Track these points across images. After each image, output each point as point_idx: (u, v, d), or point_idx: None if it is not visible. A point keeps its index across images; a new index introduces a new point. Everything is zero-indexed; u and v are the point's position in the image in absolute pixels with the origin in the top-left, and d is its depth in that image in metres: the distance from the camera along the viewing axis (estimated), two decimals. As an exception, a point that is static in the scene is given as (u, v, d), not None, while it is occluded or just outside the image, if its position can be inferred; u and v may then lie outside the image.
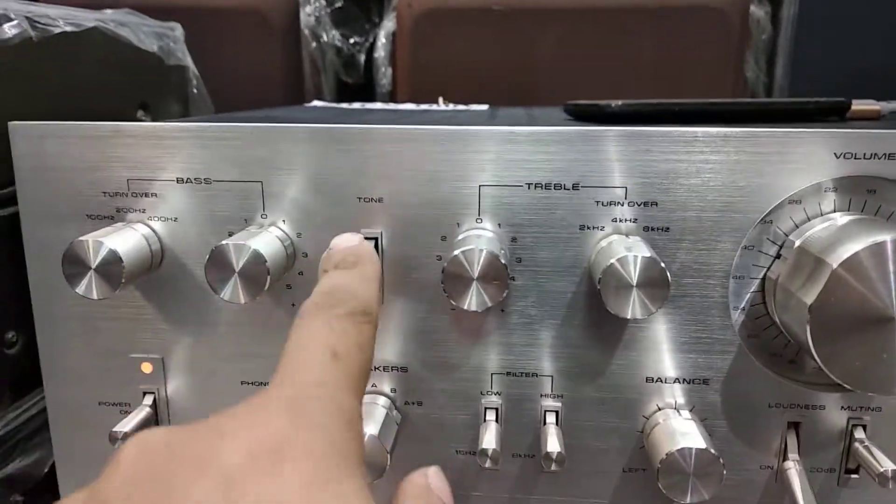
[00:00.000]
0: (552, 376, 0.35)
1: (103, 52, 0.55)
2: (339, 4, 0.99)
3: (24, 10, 0.46)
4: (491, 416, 0.35)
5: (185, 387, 0.36)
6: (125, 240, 0.32)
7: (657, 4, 0.91)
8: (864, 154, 0.31)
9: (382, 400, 0.35)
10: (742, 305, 0.33)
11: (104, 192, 0.34)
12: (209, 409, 0.36)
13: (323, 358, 0.22)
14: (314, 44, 1.00)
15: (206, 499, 0.17)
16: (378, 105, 0.76)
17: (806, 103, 0.52)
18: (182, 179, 0.34)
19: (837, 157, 0.31)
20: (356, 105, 0.75)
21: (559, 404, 0.35)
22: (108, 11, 0.59)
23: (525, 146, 0.32)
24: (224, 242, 0.30)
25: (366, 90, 1.03)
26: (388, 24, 0.97)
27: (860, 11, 0.91)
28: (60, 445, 0.38)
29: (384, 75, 0.99)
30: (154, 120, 0.63)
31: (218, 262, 0.30)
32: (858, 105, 0.52)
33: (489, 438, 0.33)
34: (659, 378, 0.34)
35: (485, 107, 0.75)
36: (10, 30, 0.44)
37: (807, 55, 0.95)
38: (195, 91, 0.71)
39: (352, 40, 1.02)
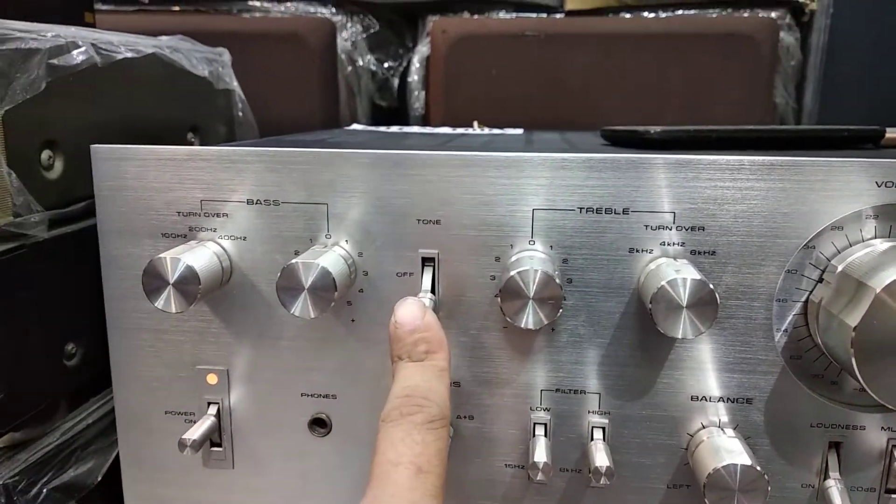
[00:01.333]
0: (599, 394, 0.36)
1: (160, 77, 0.58)
2: (374, 30, 1.02)
3: (90, 38, 0.49)
4: (540, 431, 0.36)
5: (247, 397, 0.38)
6: (200, 257, 0.34)
7: (688, 31, 0.92)
8: (906, 183, 0.32)
9: (436, 413, 0.36)
10: (785, 327, 0.35)
11: (178, 212, 0.36)
12: (270, 418, 0.38)
13: (409, 475, 0.26)
14: (350, 68, 1.03)
15: None
16: (415, 129, 0.79)
17: (841, 131, 0.53)
18: (252, 201, 0.36)
19: (879, 186, 0.32)
20: (394, 128, 0.77)
21: (606, 421, 0.36)
22: (164, 38, 0.62)
23: (577, 172, 0.34)
24: (295, 261, 0.32)
25: (399, 113, 1.06)
26: (423, 49, 1.00)
27: (890, 38, 0.92)
28: (127, 451, 0.40)
29: (417, 99, 1.01)
30: (202, 141, 0.66)
31: (289, 279, 0.32)
32: (893, 133, 0.53)
33: (540, 452, 0.34)
34: (703, 397, 0.35)
35: (519, 131, 0.77)
36: (78, 56, 0.47)
37: (836, 81, 0.96)
38: (240, 114, 0.74)
39: (386, 64, 1.05)
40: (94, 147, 0.37)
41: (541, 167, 0.34)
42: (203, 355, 0.38)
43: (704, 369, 0.35)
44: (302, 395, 0.38)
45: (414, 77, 1.01)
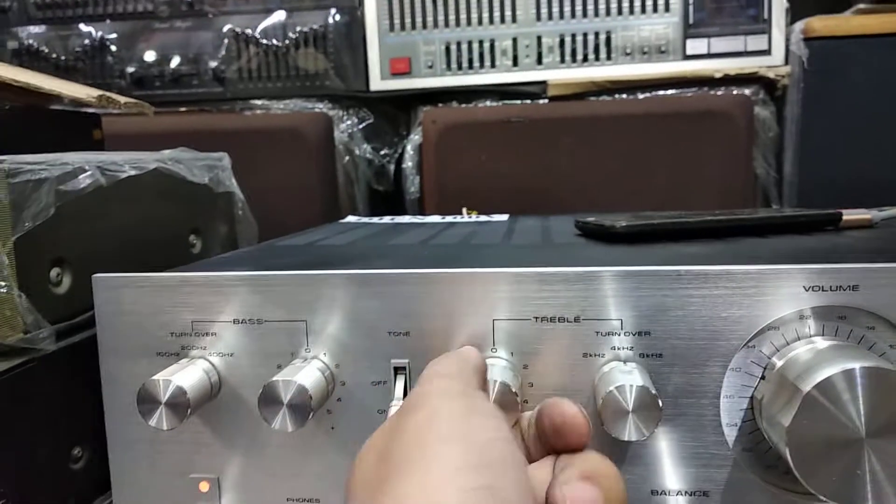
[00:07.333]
0: (565, 490, 0.38)
1: (162, 189, 0.62)
2: (369, 121, 1.08)
3: (95, 161, 0.53)
4: (511, 527, 0.38)
5: (237, 503, 0.41)
6: (189, 375, 0.37)
7: (666, 111, 0.97)
8: (831, 287, 0.35)
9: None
10: (735, 422, 0.37)
11: (171, 333, 0.40)
12: (258, 523, 0.41)
13: None
14: (347, 157, 1.08)
15: None
16: (407, 218, 0.83)
17: (800, 216, 0.56)
18: (238, 320, 0.39)
19: (807, 290, 0.35)
20: (387, 219, 0.81)
21: (573, 516, 0.38)
22: (166, 152, 0.67)
23: (531, 285, 0.37)
24: (274, 379, 0.35)
25: (395, 197, 1.11)
26: (415, 138, 1.05)
27: (862, 102, 0.96)
28: (126, 558, 0.42)
29: (412, 183, 1.06)
30: (204, 242, 0.70)
31: (269, 397, 0.35)
32: (850, 215, 0.56)
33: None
34: (663, 491, 0.37)
35: (505, 217, 0.80)
36: (85, 180, 0.51)
37: (813, 149, 1.00)
38: (240, 213, 0.78)
39: (382, 152, 1.10)
40: (95, 277, 0.40)
41: (498, 282, 0.37)
42: (195, 464, 0.41)
43: (662, 464, 0.37)
44: (288, 499, 0.40)
45: (408, 163, 1.06)
